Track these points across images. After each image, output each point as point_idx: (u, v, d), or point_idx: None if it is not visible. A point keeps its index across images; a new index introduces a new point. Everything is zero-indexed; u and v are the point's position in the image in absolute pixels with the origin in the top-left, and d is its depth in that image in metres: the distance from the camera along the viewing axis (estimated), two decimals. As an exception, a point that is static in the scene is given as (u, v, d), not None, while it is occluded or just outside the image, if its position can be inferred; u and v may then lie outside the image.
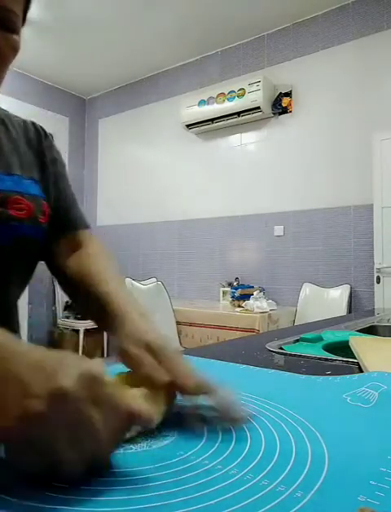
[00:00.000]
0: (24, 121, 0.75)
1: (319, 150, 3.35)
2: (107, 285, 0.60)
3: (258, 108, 3.48)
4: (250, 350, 0.80)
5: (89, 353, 3.96)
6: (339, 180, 3.24)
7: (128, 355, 0.45)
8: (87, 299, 0.62)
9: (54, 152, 0.77)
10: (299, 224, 3.43)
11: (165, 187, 4.23)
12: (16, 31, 0.56)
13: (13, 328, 0.70)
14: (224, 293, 3.55)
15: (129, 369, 0.45)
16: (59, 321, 4.17)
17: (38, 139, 0.74)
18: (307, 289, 3.32)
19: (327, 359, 0.71)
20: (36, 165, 0.72)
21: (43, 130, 0.77)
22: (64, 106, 4.81)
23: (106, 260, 0.71)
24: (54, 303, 4.30)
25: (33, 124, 0.76)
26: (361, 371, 0.62)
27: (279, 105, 3.55)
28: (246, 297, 3.08)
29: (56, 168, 0.76)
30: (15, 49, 0.57)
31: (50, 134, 0.78)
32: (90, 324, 3.73)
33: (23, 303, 3.73)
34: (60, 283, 0.73)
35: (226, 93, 3.63)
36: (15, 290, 0.70)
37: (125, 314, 0.53)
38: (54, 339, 4.17)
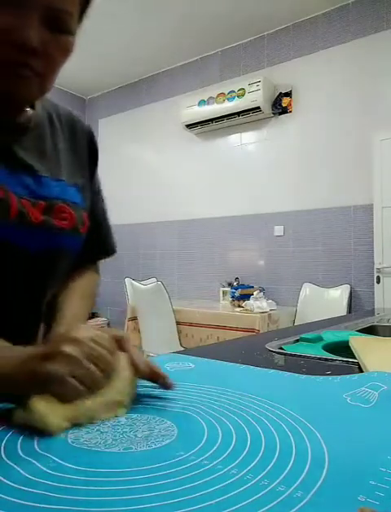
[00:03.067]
0: (73, 119, 0.70)
1: (319, 150, 3.35)
2: (67, 307, 0.66)
3: (258, 108, 3.48)
4: (250, 350, 0.80)
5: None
6: (339, 180, 3.24)
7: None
8: (52, 313, 0.65)
9: (96, 170, 0.74)
10: (299, 224, 3.43)
11: (165, 187, 4.23)
12: (70, 31, 0.53)
13: (37, 328, 0.70)
14: (224, 293, 3.55)
15: None
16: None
17: (83, 142, 0.70)
18: (307, 289, 3.32)
19: (327, 359, 0.71)
20: (79, 171, 0.68)
21: (91, 132, 0.73)
22: (64, 106, 4.80)
23: (79, 299, 0.71)
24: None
25: (82, 126, 0.72)
26: (361, 371, 0.62)
27: (279, 105, 3.55)
28: (246, 297, 3.08)
29: (97, 187, 0.74)
30: (66, 50, 0.54)
31: (97, 148, 0.74)
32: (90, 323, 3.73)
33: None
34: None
35: (226, 93, 3.63)
36: (50, 293, 0.68)
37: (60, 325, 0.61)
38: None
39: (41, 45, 0.49)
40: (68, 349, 0.42)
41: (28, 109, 0.60)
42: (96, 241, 0.75)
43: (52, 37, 0.51)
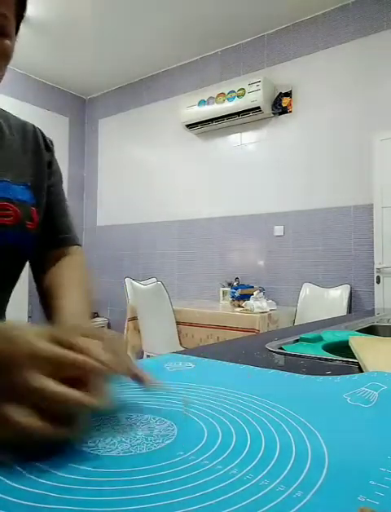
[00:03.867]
0: (24, 125, 0.73)
1: (319, 150, 3.35)
2: (62, 300, 0.63)
3: (258, 108, 3.48)
4: (250, 350, 0.80)
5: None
6: (339, 180, 3.24)
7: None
8: (48, 312, 0.64)
9: (54, 163, 0.76)
10: (299, 224, 3.43)
11: (165, 187, 4.23)
12: (7, 35, 0.53)
13: None
14: (224, 293, 3.55)
15: None
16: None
17: (37, 145, 0.73)
18: (307, 289, 3.32)
19: (327, 359, 0.71)
20: (31, 171, 0.70)
21: (44, 136, 0.76)
22: (64, 106, 4.81)
23: (75, 272, 0.72)
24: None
25: (34, 129, 0.74)
26: (361, 371, 0.62)
27: (279, 105, 3.55)
28: (246, 297, 3.08)
29: (52, 179, 0.75)
30: (6, 54, 0.53)
31: (51, 142, 0.77)
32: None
33: (23, 304, 3.73)
34: (38, 292, 0.74)
35: (226, 93, 3.63)
36: (3, 294, 0.69)
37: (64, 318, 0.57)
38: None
39: None
40: (31, 379, 0.33)
41: None
42: (63, 227, 0.77)
43: None
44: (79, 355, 0.35)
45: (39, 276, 0.73)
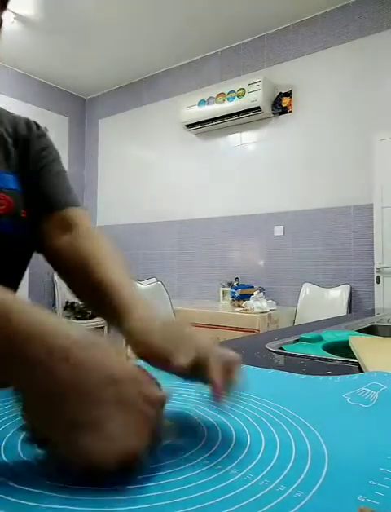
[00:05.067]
0: (16, 118, 0.72)
1: (319, 150, 3.35)
2: (109, 273, 0.56)
3: (258, 108, 3.48)
4: (250, 350, 0.80)
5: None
6: (339, 180, 3.24)
7: (154, 351, 0.40)
8: (86, 287, 0.57)
9: (44, 140, 0.73)
10: (299, 224, 3.43)
11: (165, 187, 4.24)
12: None
13: None
14: (224, 293, 3.55)
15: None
16: (59, 321, 4.16)
17: (28, 133, 0.71)
18: (307, 289, 3.32)
19: (327, 359, 0.71)
20: (21, 159, 0.69)
21: (36, 123, 0.74)
22: (64, 106, 4.81)
23: (102, 242, 0.64)
24: (54, 303, 4.29)
25: (27, 121, 0.73)
26: (361, 371, 0.62)
27: (279, 105, 3.55)
28: (246, 297, 3.08)
29: (42, 156, 0.72)
30: None
31: (45, 128, 0.76)
32: (89, 324, 3.73)
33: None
34: (53, 267, 0.66)
35: (226, 93, 3.63)
36: (7, 287, 0.67)
37: (132, 309, 0.49)
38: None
39: None
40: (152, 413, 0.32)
41: None
42: (62, 194, 0.70)
43: None
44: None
45: (49, 248, 0.66)
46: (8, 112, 0.73)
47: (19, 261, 0.68)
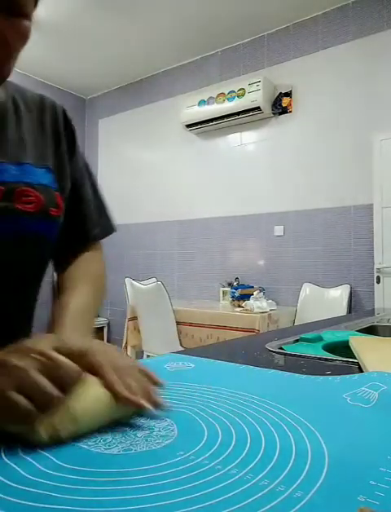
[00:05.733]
0: (41, 99, 0.68)
1: (319, 150, 3.35)
2: (68, 295, 0.62)
3: (258, 108, 3.48)
4: (250, 350, 0.80)
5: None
6: (339, 180, 3.24)
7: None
8: (55, 306, 0.62)
9: (77, 143, 0.71)
10: (299, 224, 3.43)
11: (165, 188, 4.24)
12: (27, 15, 0.50)
13: (29, 325, 0.67)
14: (224, 293, 3.55)
15: None
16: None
17: (55, 121, 0.68)
18: (307, 289, 3.32)
19: (327, 359, 0.71)
20: (51, 152, 0.65)
21: (64, 111, 0.71)
22: (64, 106, 4.78)
23: (89, 266, 0.69)
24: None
25: (53, 104, 0.69)
26: (361, 371, 0.62)
27: (279, 105, 3.55)
28: (246, 297, 3.08)
29: (78, 163, 0.70)
30: (24, 36, 0.50)
31: (71, 118, 0.72)
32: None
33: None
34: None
35: (226, 93, 3.63)
36: (31, 285, 0.66)
37: (61, 328, 0.55)
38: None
39: None
40: (15, 360, 0.37)
41: None
42: (86, 220, 0.72)
43: (9, 23, 0.48)
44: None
45: (58, 273, 0.70)
46: (32, 92, 0.68)
47: (44, 261, 0.67)
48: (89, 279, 0.68)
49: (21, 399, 0.35)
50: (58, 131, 0.68)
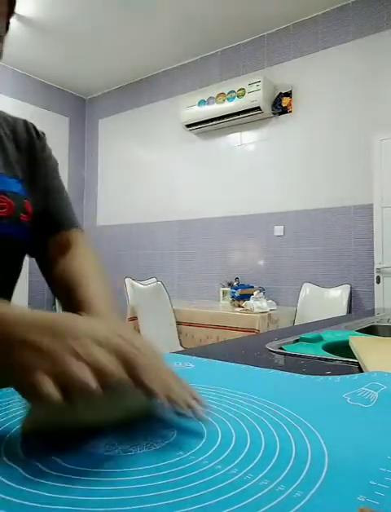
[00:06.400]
0: (15, 120, 0.74)
1: (319, 150, 3.35)
2: (85, 291, 0.62)
3: (258, 108, 3.48)
4: (250, 350, 0.80)
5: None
6: (339, 180, 3.24)
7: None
8: (68, 303, 0.63)
9: (47, 151, 0.77)
10: (299, 224, 3.43)
11: (165, 187, 4.24)
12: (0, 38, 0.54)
13: None
14: (224, 293, 3.55)
15: None
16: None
17: (29, 138, 0.74)
18: (307, 289, 3.32)
19: (327, 359, 0.71)
20: (23, 164, 0.71)
21: (35, 128, 0.77)
22: (64, 106, 4.81)
23: (90, 261, 0.71)
24: (54, 303, 4.29)
25: (25, 123, 0.75)
26: (361, 371, 0.62)
27: (279, 105, 3.55)
28: (246, 297, 3.08)
29: (47, 168, 0.75)
30: None
31: (42, 133, 0.78)
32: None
33: (23, 304, 3.73)
34: (48, 284, 0.74)
35: (226, 93, 3.63)
36: (4, 286, 0.70)
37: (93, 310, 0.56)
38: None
39: None
40: (58, 343, 0.34)
41: None
42: (58, 214, 0.76)
43: None
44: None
45: (47, 266, 0.73)
46: (7, 115, 0.74)
47: (16, 263, 0.71)
48: (96, 275, 0.69)
49: (46, 384, 0.32)
50: (30, 145, 0.73)
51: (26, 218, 0.67)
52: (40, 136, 0.76)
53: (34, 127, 0.77)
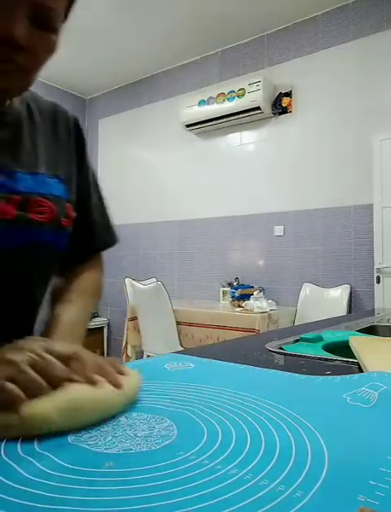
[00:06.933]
0: (55, 107, 0.70)
1: (319, 150, 3.35)
2: (60, 307, 0.65)
3: (258, 108, 3.48)
4: (250, 350, 0.80)
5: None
6: (339, 180, 3.24)
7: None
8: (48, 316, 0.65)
9: (87, 154, 0.72)
10: (299, 224, 3.43)
11: (165, 187, 4.23)
12: (55, 30, 0.53)
13: (32, 325, 0.69)
14: (224, 293, 3.55)
15: None
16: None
17: (68, 131, 0.69)
18: (307, 289, 3.31)
19: (327, 359, 0.71)
20: (62, 161, 0.66)
21: (75, 120, 0.72)
22: (64, 106, 4.76)
23: (85, 277, 0.73)
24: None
25: (65, 114, 0.71)
26: (361, 371, 0.62)
27: (279, 105, 3.55)
28: (246, 297, 3.08)
29: (86, 173, 0.72)
30: (50, 49, 0.54)
31: (82, 128, 0.73)
32: (90, 324, 3.73)
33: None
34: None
35: (226, 93, 3.63)
36: (39, 290, 0.67)
37: (52, 337, 0.60)
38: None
39: (27, 41, 0.49)
40: (10, 355, 0.40)
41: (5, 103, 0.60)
42: (92, 232, 0.74)
43: (38, 34, 0.51)
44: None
45: (58, 281, 0.73)
46: (44, 100, 0.70)
47: (53, 268, 0.68)
48: (85, 291, 0.71)
49: (9, 385, 0.38)
50: (70, 142, 0.69)
51: (67, 223, 0.63)
52: (81, 130, 0.72)
53: (75, 119, 0.72)
